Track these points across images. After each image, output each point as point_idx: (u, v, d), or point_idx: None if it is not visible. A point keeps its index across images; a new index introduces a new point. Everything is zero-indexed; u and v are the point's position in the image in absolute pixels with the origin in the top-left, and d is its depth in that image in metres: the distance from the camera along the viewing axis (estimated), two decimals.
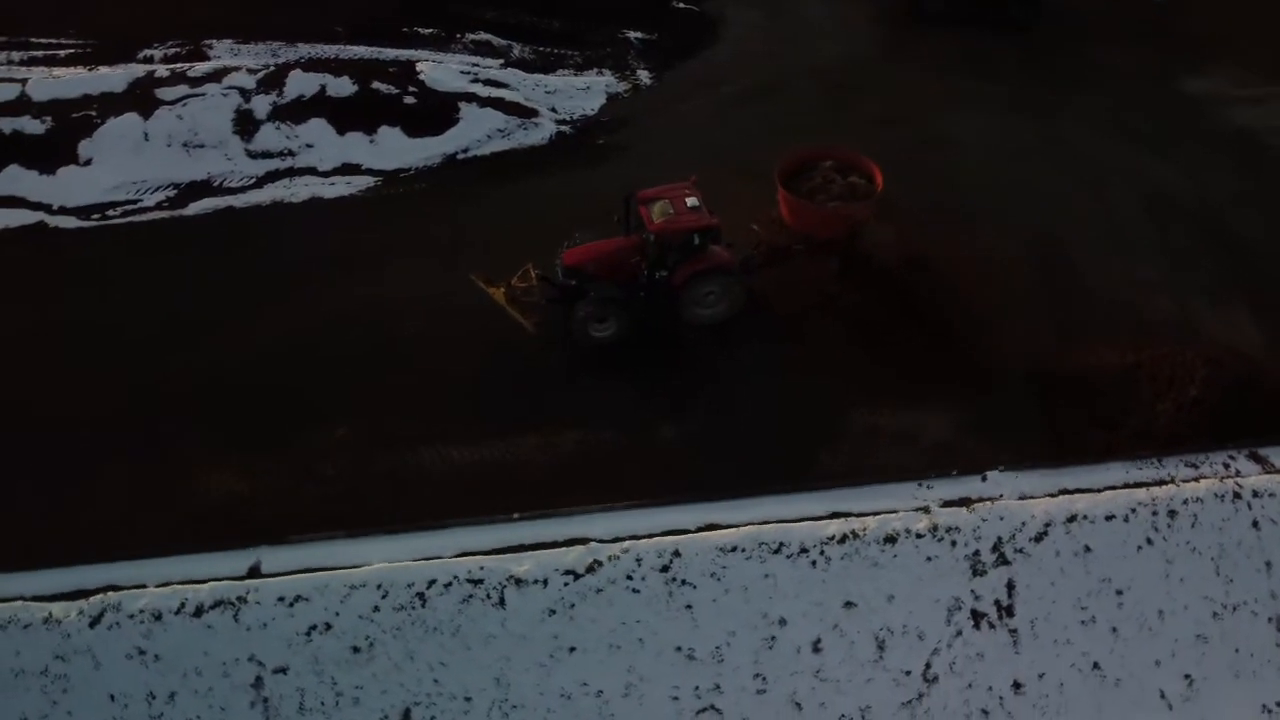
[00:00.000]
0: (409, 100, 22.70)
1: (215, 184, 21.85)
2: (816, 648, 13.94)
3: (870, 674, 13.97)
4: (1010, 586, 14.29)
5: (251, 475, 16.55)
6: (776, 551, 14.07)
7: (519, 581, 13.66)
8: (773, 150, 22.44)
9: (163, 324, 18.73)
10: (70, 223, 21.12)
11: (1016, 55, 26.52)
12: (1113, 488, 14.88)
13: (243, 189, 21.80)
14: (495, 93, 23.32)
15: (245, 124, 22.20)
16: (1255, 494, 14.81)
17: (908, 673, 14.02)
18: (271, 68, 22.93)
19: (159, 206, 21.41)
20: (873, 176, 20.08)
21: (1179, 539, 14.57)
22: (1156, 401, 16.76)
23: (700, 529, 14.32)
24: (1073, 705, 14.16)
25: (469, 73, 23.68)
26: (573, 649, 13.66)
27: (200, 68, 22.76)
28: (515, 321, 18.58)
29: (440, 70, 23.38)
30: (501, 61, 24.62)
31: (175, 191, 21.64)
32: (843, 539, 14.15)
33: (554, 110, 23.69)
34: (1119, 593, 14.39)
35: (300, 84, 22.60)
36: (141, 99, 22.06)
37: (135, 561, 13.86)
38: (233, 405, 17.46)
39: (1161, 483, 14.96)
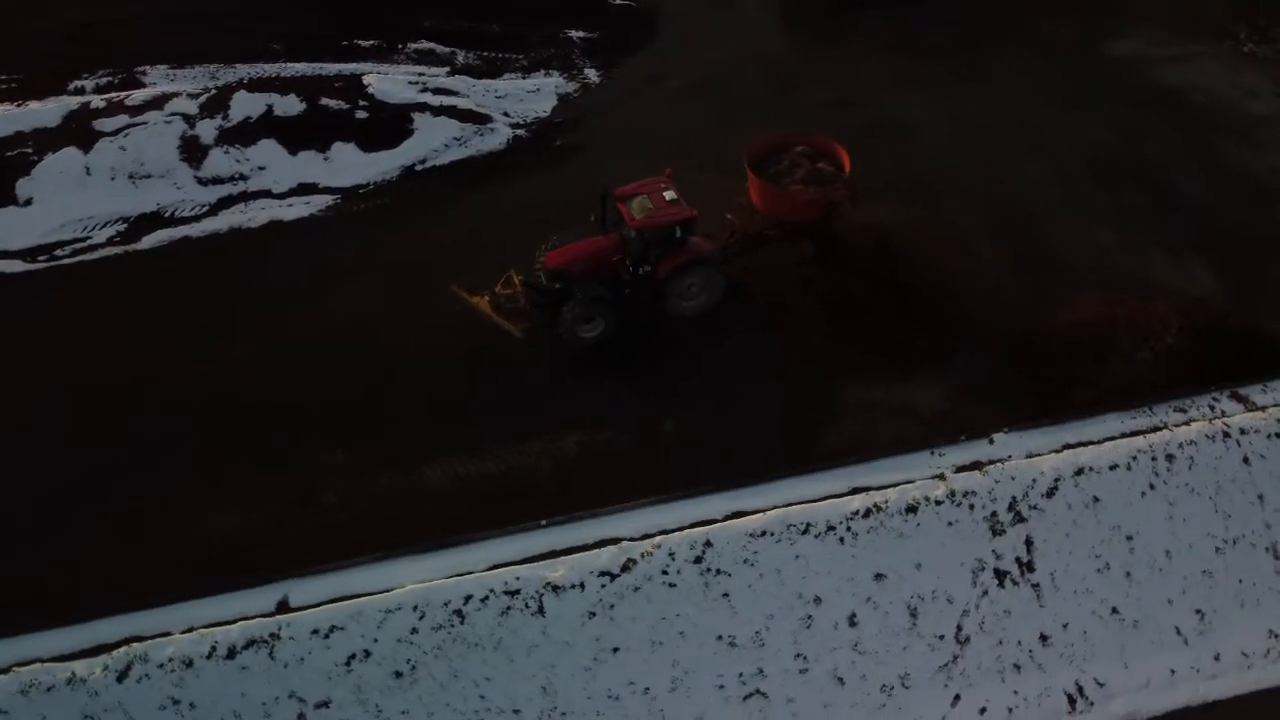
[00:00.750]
0: (360, 115, 22.26)
1: (167, 215, 21.10)
2: (852, 622, 14.17)
3: (906, 642, 14.26)
4: (1029, 543, 14.72)
5: (252, 508, 16.13)
6: (804, 532, 14.24)
7: (556, 588, 13.57)
8: (729, 140, 22.73)
9: (133, 363, 18.06)
10: (15, 266, 20.15)
11: (949, 32, 27.21)
12: (1112, 438, 15.43)
13: (196, 217, 21.10)
14: (447, 101, 23.01)
15: (192, 150, 21.48)
16: (1242, 431, 15.54)
17: (941, 637, 14.35)
18: (213, 91, 22.21)
19: (110, 242, 20.58)
20: (839, 159, 20.40)
21: (1178, 481, 15.21)
22: (1135, 353, 17.41)
23: (727, 517, 14.39)
24: (1097, 651, 14.67)
25: (417, 83, 23.31)
26: (616, 649, 13.63)
27: (138, 95, 21.91)
28: (503, 329, 18.43)
29: (388, 82, 22.97)
30: (448, 69, 24.29)
31: (125, 226, 20.82)
32: (866, 513, 14.40)
33: (507, 115, 23.49)
34: (1129, 538, 14.95)
35: (246, 105, 21.95)
36: (79, 132, 21.17)
37: (154, 609, 13.36)
38: (223, 438, 16.99)
39: (1155, 429, 15.57)
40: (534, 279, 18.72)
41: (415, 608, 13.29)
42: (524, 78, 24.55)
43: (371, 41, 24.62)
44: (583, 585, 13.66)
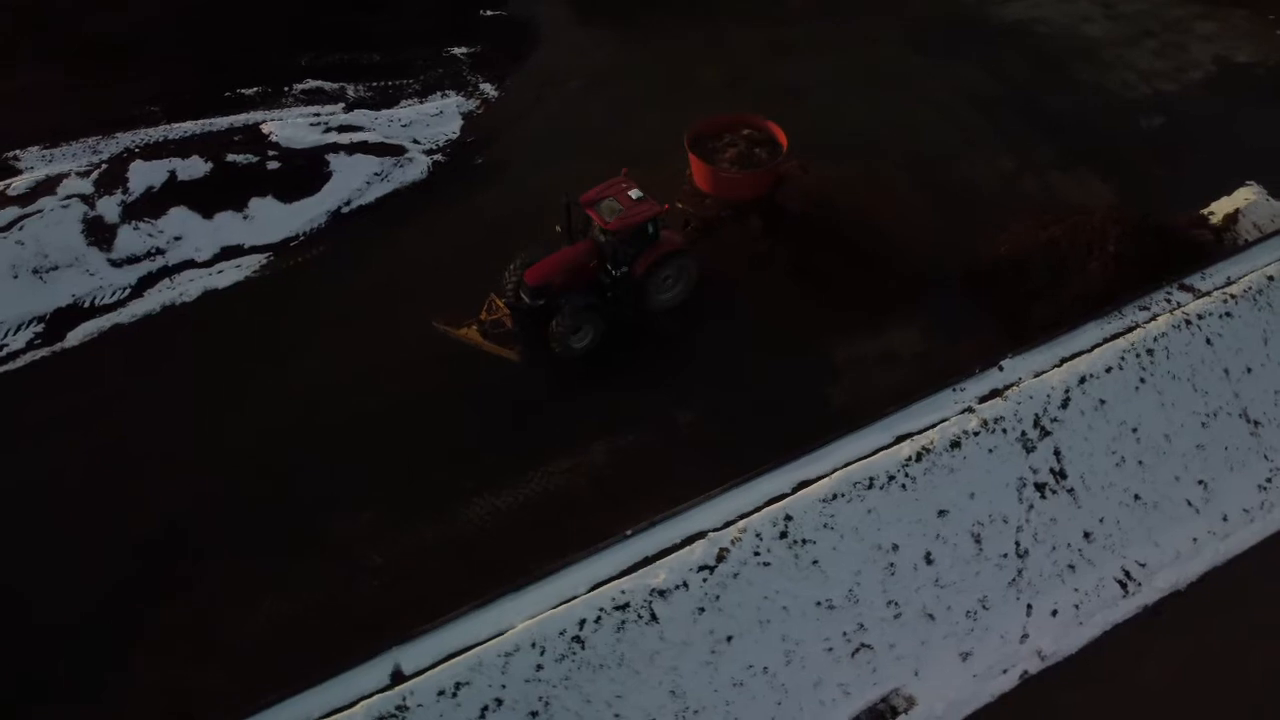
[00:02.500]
0: (272, 165, 21.20)
1: (84, 305, 19.45)
2: (929, 560, 14.99)
3: (977, 567, 15.22)
4: (1057, 453, 15.98)
5: (301, 588, 15.36)
6: (869, 487, 14.92)
7: (661, 592, 13.69)
8: (644, 131, 23.29)
9: (107, 469, 16.77)
10: None
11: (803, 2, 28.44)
12: (1098, 345, 16.86)
13: (120, 302, 19.60)
14: (355, 138, 22.23)
15: (98, 232, 19.90)
16: (1200, 316, 17.36)
17: (1004, 555, 15.40)
18: (103, 165, 20.58)
19: (31, 346, 18.83)
20: (773, 134, 21.12)
21: (1160, 371, 16.85)
22: (1085, 264, 19.05)
23: (795, 489, 14.86)
24: (1130, 537, 16.12)
25: (318, 123, 22.40)
26: (729, 638, 13.90)
27: (19, 183, 20.04)
28: (497, 356, 18.21)
29: (289, 127, 21.96)
30: (342, 105, 23.43)
31: (42, 325, 19.07)
32: (918, 457, 15.23)
33: (417, 142, 22.96)
34: (1134, 430, 16.47)
35: (146, 175, 20.51)
36: None
37: (259, 715, 12.55)
38: (239, 524, 16.09)
39: (1130, 329, 17.16)
40: (515, 299, 18.51)
41: (534, 644, 13.10)
42: (422, 102, 24.01)
43: (255, 89, 23.40)
44: (685, 584, 13.83)
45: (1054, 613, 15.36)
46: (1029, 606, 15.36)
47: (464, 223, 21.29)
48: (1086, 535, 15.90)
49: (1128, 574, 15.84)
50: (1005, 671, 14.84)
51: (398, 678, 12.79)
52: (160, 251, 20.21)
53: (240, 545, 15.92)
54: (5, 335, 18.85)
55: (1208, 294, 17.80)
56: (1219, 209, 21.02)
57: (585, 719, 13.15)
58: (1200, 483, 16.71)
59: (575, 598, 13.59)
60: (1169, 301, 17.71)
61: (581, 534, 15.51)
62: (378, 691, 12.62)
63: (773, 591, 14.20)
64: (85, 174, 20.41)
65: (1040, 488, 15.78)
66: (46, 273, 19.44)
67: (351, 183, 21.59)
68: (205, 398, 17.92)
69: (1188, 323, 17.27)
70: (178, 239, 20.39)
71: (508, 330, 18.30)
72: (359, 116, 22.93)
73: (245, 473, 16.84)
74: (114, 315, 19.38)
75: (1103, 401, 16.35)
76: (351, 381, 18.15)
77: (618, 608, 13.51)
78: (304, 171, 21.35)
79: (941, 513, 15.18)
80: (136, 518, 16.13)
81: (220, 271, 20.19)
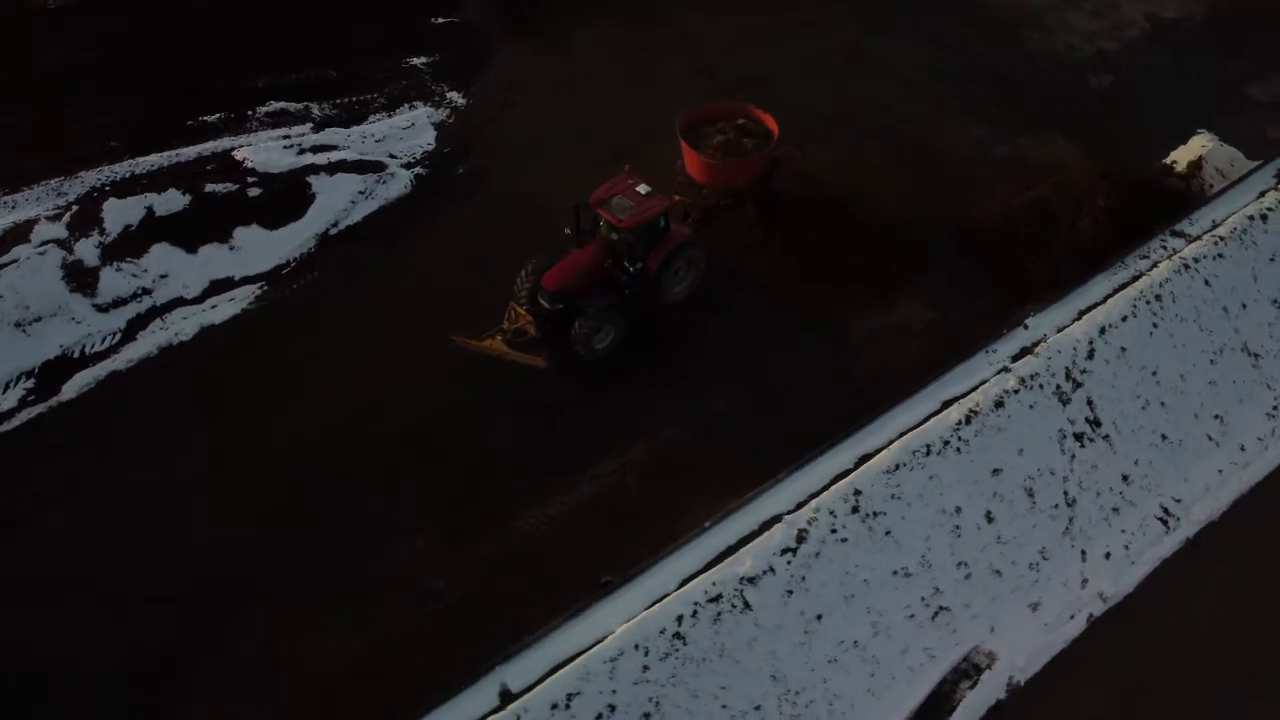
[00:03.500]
0: (253, 192, 20.46)
1: (74, 355, 18.48)
2: (990, 518, 15.42)
3: (1033, 520, 15.73)
4: (1090, 403, 16.59)
5: (368, 622, 14.98)
6: (927, 454, 15.27)
7: (750, 579, 13.76)
8: (618, 128, 23.19)
9: (136, 522, 16.02)
10: None
11: None
12: (1110, 296, 17.55)
13: (113, 348, 18.67)
14: (332, 157, 21.61)
15: (79, 277, 18.91)
16: (1195, 259, 18.24)
17: (1055, 506, 15.94)
18: (74, 207, 19.56)
19: (25, 402, 17.79)
20: (762, 121, 21.31)
21: (1169, 315, 17.65)
22: (1077, 222, 19.79)
23: (858, 463, 15.10)
24: (1162, 476, 16.87)
25: (291, 146, 21.71)
26: (819, 616, 14.07)
27: None
28: (524, 364, 18.01)
29: (263, 152, 21.23)
30: (310, 125, 22.74)
31: (33, 380, 18.05)
32: (967, 420, 15.65)
33: (393, 156, 22.44)
34: (1153, 374, 17.22)
35: (121, 213, 19.57)
36: None
37: None
38: (289, 564, 15.55)
39: (1136, 278, 17.90)
40: (532, 305, 18.31)
41: (636, 646, 13.02)
42: (390, 116, 23.46)
43: (217, 115, 22.49)
44: (771, 569, 13.93)
45: (1107, 555, 15.97)
46: (1083, 552, 15.93)
47: (457, 233, 20.92)
48: (1125, 478, 16.55)
49: (1166, 511, 16.56)
50: (1073, 617, 15.38)
51: (506, 697, 12.56)
52: (147, 291, 19.32)
53: (293, 586, 15.38)
54: None
55: (1198, 238, 18.68)
56: (1180, 158, 22.07)
57: (695, 714, 13.13)
58: (1216, 417, 17.56)
59: (667, 595, 13.54)
60: (1165, 249, 18.53)
61: (642, 533, 15.60)
62: (491, 713, 12.35)
63: (852, 566, 14.41)
64: (55, 217, 19.35)
65: (1079, 437, 16.36)
66: (30, 325, 18.39)
67: (336, 203, 20.97)
68: (223, 438, 17.22)
69: (1186, 267, 18.11)
70: (163, 277, 19.51)
71: (532, 337, 18.07)
72: (331, 135, 22.28)
73: (283, 510, 16.28)
74: (109, 363, 18.44)
75: (1123, 349, 17.04)
76: (376, 404, 17.69)
77: (711, 600, 13.52)
78: (286, 196, 20.66)
79: (995, 471, 15.61)
80: (175, 569, 15.44)
81: (214, 306, 19.40)
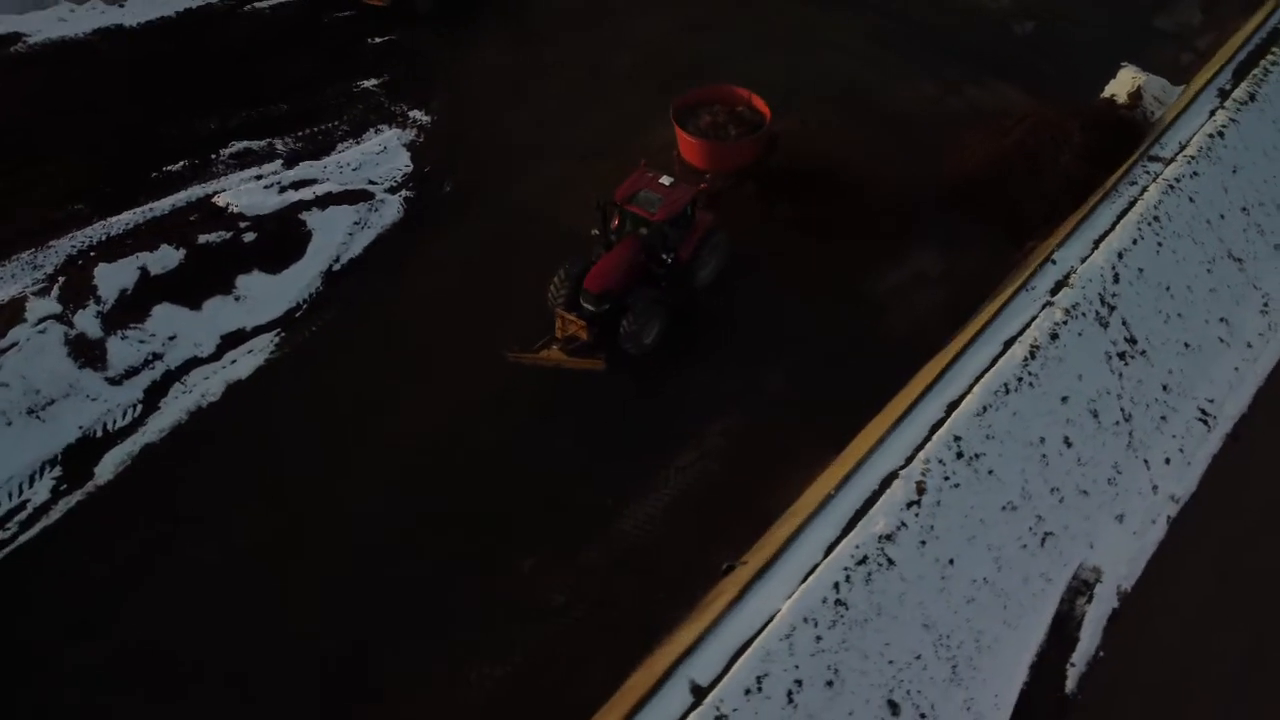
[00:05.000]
0: (247, 238, 19.51)
1: (96, 435, 17.28)
2: (1068, 443, 16.37)
3: (1101, 439, 16.78)
4: (1124, 323, 17.80)
5: (503, 649, 14.75)
6: (1007, 392, 16.07)
7: (887, 537, 14.21)
8: (590, 127, 23.29)
9: (224, 596, 15.17)
10: None
11: None
12: (1116, 223, 18.80)
13: (138, 421, 17.53)
14: (317, 190, 20.81)
15: (84, 351, 17.62)
16: (1177, 180, 19.83)
17: (1116, 423, 17.06)
18: (60, 278, 18.21)
19: (59, 492, 16.53)
20: (750, 103, 21.72)
21: (1168, 233, 19.09)
22: (1059, 159, 21.05)
23: (947, 411, 15.75)
24: (1192, 380, 18.29)
25: (271, 185, 20.76)
26: (951, 560, 14.65)
27: None
28: (583, 368, 17.93)
29: (245, 194, 20.23)
30: (281, 161, 21.80)
31: (59, 468, 16.79)
32: (1032, 354, 16.53)
33: (374, 183, 21.77)
34: (1167, 289, 18.60)
35: (114, 277, 18.33)
36: None
37: None
38: (402, 604, 15.12)
39: (1133, 203, 19.23)
40: (580, 310, 18.20)
41: (805, 619, 13.28)
42: (358, 142, 22.72)
43: (180, 164, 21.28)
44: (903, 524, 14.42)
45: (1166, 461, 17.19)
46: (1146, 462, 17.10)
47: (464, 250, 20.53)
48: (1165, 388, 17.84)
49: (1204, 412, 17.93)
50: (1154, 522, 16.52)
51: (699, 691, 12.59)
52: (158, 356, 18.18)
53: (415, 627, 14.90)
54: (21, 491, 16.39)
55: (1173, 160, 20.18)
56: (1118, 91, 23.73)
57: (869, 674, 13.49)
58: (1222, 320, 19.10)
59: (816, 566, 13.82)
60: (1149, 174, 19.93)
61: (742, 514, 15.90)
62: (690, 710, 12.38)
63: (968, 508, 15.05)
64: (43, 291, 17.96)
65: (1122, 356, 17.52)
66: (43, 410, 17.03)
67: (334, 237, 20.22)
68: (290, 496, 16.43)
69: (1171, 188, 19.58)
70: (172, 338, 18.40)
71: (585, 342, 17.97)
72: (306, 169, 21.41)
73: (380, 554, 15.71)
74: (138, 437, 17.29)
75: (1140, 270, 18.31)
76: (440, 433, 17.26)
77: (859, 563, 13.89)
78: (282, 237, 19.79)
79: (1064, 399, 16.56)
80: (288, 635, 14.69)
81: (234, 362, 18.44)
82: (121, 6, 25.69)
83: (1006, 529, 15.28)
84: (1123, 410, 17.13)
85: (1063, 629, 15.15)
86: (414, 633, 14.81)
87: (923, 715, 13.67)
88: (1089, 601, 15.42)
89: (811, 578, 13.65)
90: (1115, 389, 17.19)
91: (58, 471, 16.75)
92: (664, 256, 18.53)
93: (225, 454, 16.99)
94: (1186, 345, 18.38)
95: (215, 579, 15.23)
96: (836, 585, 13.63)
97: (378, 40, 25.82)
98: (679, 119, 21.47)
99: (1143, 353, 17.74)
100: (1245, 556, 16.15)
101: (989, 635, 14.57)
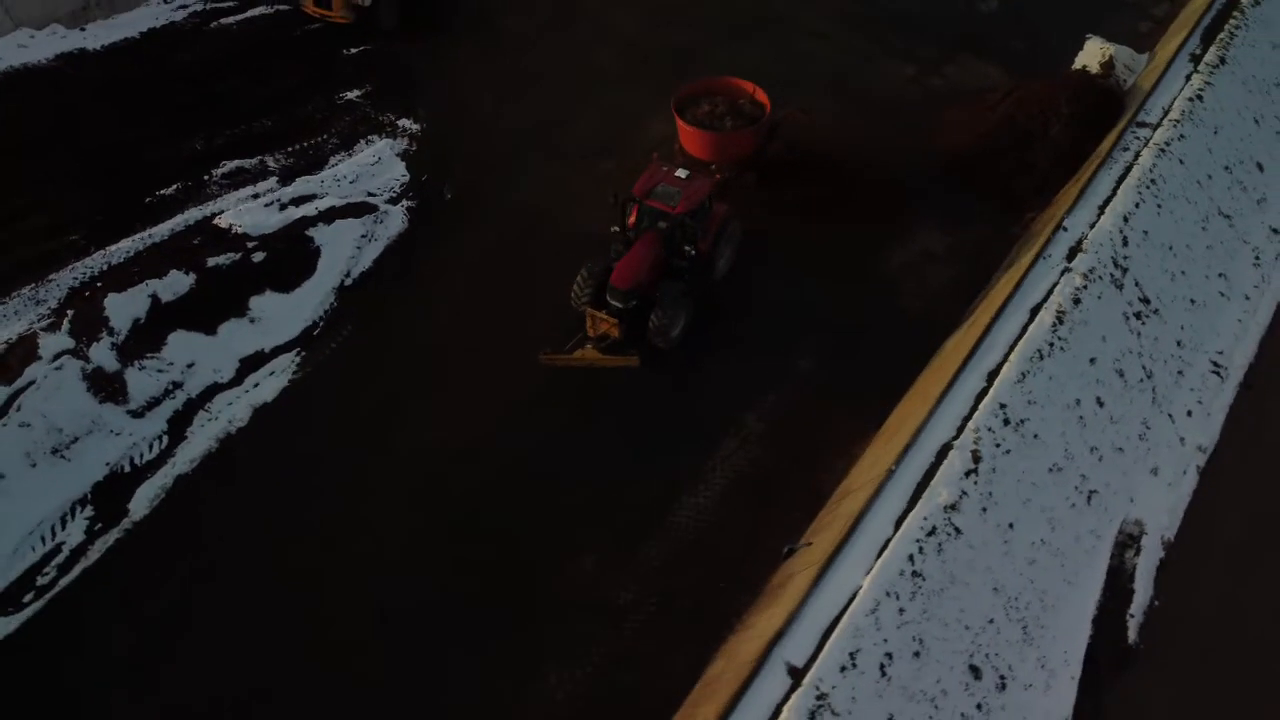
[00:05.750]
0: (256, 258, 19.08)
1: (124, 470, 16.75)
2: (1100, 404, 16.88)
3: (1129, 397, 17.35)
4: (1137, 284, 18.39)
5: (576, 652, 14.73)
6: (1041, 358, 16.49)
7: (951, 506, 14.50)
8: (584, 123, 23.31)
9: (288, 612, 14.94)
10: (9, 625, 14.97)
11: None
12: (1117, 187, 19.40)
13: (166, 453, 17.04)
14: (319, 205, 20.42)
15: (104, 385, 17.05)
16: (1167, 144, 20.48)
17: (1140, 380, 17.66)
18: (68, 312, 17.59)
19: (94, 532, 16.00)
20: (752, 95, 21.93)
21: (1165, 196, 19.78)
22: (1048, 131, 21.65)
23: (989, 380, 16.11)
24: (1202, 335, 18.99)
25: (271, 203, 20.32)
26: (1011, 525, 15.01)
27: None
28: (619, 366, 17.96)
29: (247, 214, 19.75)
30: (275, 178, 21.33)
31: (90, 507, 16.25)
32: (1059, 320, 16.99)
33: (373, 194, 21.44)
34: (1170, 248, 19.27)
35: (124, 308, 17.76)
36: None
37: None
38: (462, 616, 14.99)
39: (1128, 169, 19.84)
40: (607, 309, 18.19)
41: (888, 593, 13.48)
42: (350, 155, 22.34)
43: (174, 187, 20.69)
44: (964, 492, 14.72)
45: (1189, 413, 17.83)
46: (1170, 416, 17.72)
47: (475, 256, 20.37)
48: (1178, 344, 18.49)
49: (1216, 364, 18.64)
50: (1185, 473, 17.14)
51: (796, 673, 12.72)
52: (178, 385, 17.68)
53: (477, 639, 14.76)
54: (54, 534, 15.82)
55: (1159, 124, 20.90)
56: (1088, 62, 24.47)
57: (950, 641, 13.76)
58: (1221, 275, 19.86)
59: (889, 541, 14.04)
60: (1139, 139, 20.61)
61: (792, 496, 16.13)
62: (790, 691, 12.49)
63: (1020, 473, 15.43)
64: (51, 327, 17.34)
65: (1138, 316, 18.12)
66: (67, 449, 16.44)
67: (343, 251, 19.88)
68: (330, 514, 16.15)
69: (1162, 151, 20.28)
70: (190, 366, 17.90)
71: (617, 339, 17.97)
72: (304, 185, 20.97)
73: (433, 566, 15.55)
74: (168, 469, 16.80)
75: (1146, 233, 18.94)
76: (478, 441, 17.11)
77: (929, 534, 14.15)
78: (290, 254, 19.38)
79: (1092, 360, 17.06)
80: (353, 656, 14.47)
81: (256, 385, 18.02)
82: (82, 30, 24.81)
83: (1055, 490, 15.69)
84: (1144, 368, 17.71)
85: (1117, 582, 15.63)
86: (481, 646, 14.66)
87: (1001, 676, 13.96)
88: (1137, 554, 15.93)
89: (886, 552, 13.83)
90: (1135, 348, 17.76)
91: (90, 511, 16.19)
92: (686, 249, 18.57)
93: (260, 479, 16.61)
94: (1192, 302, 19.06)
95: (263, 610, 14.88)
96: (911, 557, 13.85)
97: (354, 51, 25.37)
98: (679, 110, 21.53)
99: (1155, 311, 18.35)
100: (1273, 497, 16.81)
101: (1051, 594, 14.95)
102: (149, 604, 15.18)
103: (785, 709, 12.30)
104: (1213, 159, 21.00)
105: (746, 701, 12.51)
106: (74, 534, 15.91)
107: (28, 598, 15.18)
